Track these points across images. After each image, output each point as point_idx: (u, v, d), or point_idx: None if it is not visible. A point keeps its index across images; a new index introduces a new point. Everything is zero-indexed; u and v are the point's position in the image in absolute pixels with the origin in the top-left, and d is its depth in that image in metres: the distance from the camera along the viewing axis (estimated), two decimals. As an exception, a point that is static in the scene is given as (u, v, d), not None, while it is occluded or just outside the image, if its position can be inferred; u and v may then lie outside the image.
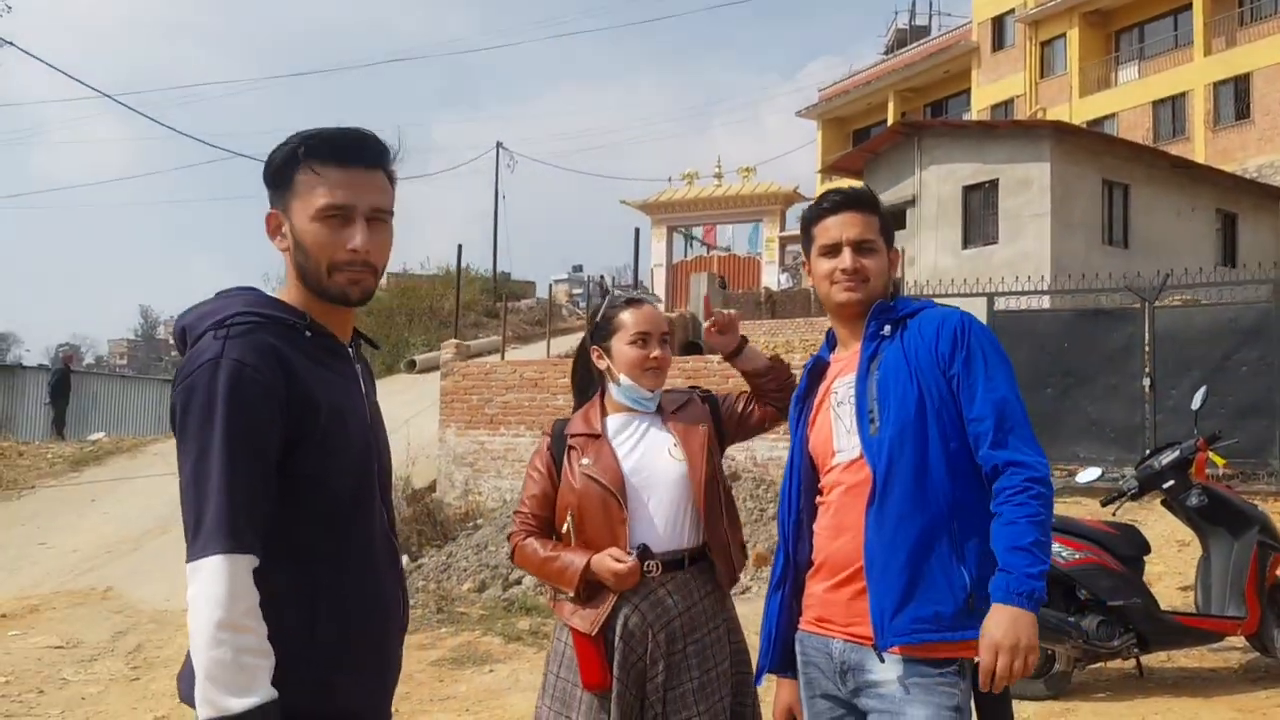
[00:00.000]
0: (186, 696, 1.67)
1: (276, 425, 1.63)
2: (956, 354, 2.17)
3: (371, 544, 1.81)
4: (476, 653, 6.97)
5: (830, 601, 2.24)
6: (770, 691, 2.52)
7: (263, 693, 1.53)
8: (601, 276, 47.57)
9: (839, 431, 2.26)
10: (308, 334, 1.74)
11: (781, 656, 2.38)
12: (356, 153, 1.77)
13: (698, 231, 37.15)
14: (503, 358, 15.29)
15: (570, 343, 22.09)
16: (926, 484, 2.12)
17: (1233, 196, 23.09)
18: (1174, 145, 26.32)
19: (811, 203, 2.46)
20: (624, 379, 2.72)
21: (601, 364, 2.78)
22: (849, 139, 39.24)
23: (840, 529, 2.20)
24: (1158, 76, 29.01)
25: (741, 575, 8.44)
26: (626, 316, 2.76)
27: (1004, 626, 1.99)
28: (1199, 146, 26.85)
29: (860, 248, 2.30)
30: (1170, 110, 28.53)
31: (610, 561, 2.53)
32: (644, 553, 2.57)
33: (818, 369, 2.42)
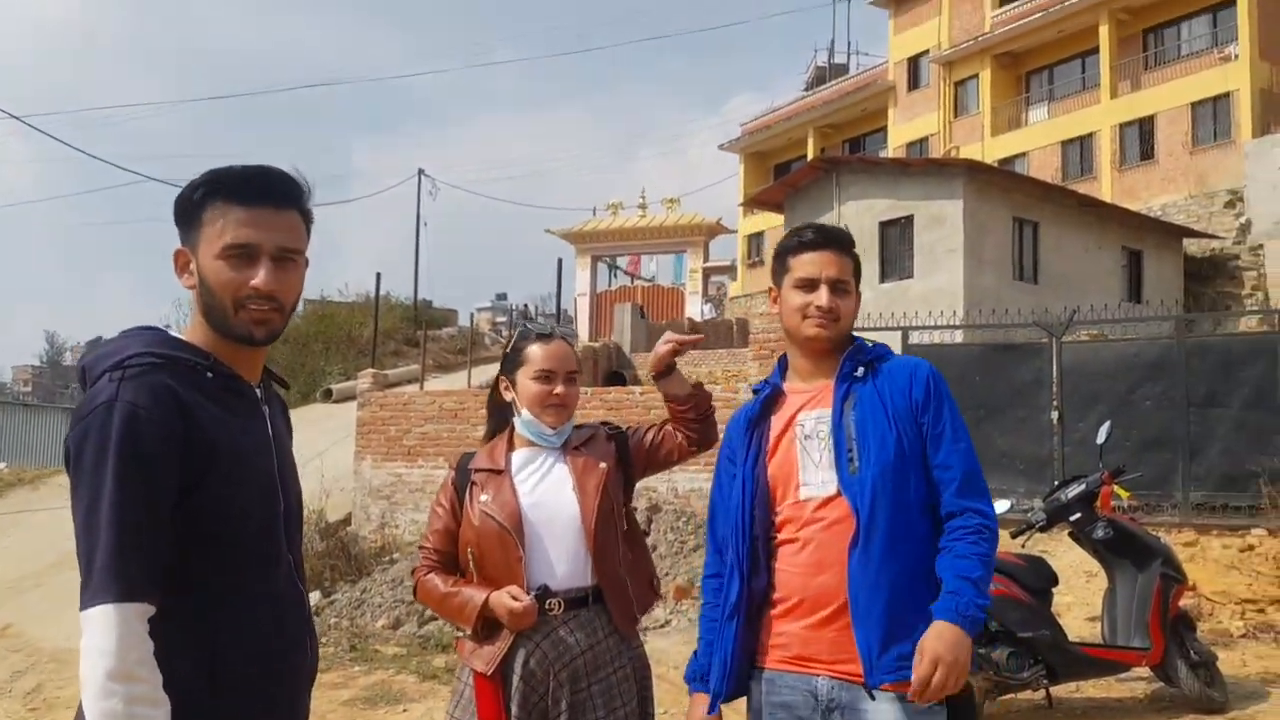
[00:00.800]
0: None
1: (172, 469, 1.60)
2: (929, 403, 2.29)
3: (275, 589, 1.77)
4: (390, 691, 6.82)
5: (813, 639, 2.25)
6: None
7: None
8: (525, 305, 47.47)
9: (806, 465, 2.30)
10: (209, 375, 1.70)
11: (736, 686, 2.36)
12: (264, 192, 1.74)
13: (622, 261, 37.27)
14: (421, 387, 15.10)
15: (491, 371, 21.92)
16: (907, 524, 2.22)
17: (1138, 234, 23.88)
18: (1082, 184, 27.17)
19: (790, 233, 2.49)
20: (525, 413, 2.70)
21: (508, 396, 2.77)
22: (770, 173, 39.79)
23: (821, 566, 2.23)
24: (1066, 117, 29.96)
25: (658, 609, 8.40)
26: (534, 351, 2.73)
27: (947, 642, 2.07)
28: (1106, 185, 27.74)
29: (836, 287, 2.37)
30: (1079, 150, 29.45)
31: (507, 600, 2.49)
32: (543, 593, 2.54)
33: (772, 396, 2.44)
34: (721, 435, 2.64)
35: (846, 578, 2.20)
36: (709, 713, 2.37)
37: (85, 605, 1.53)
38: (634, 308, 28.09)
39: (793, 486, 2.31)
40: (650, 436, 2.84)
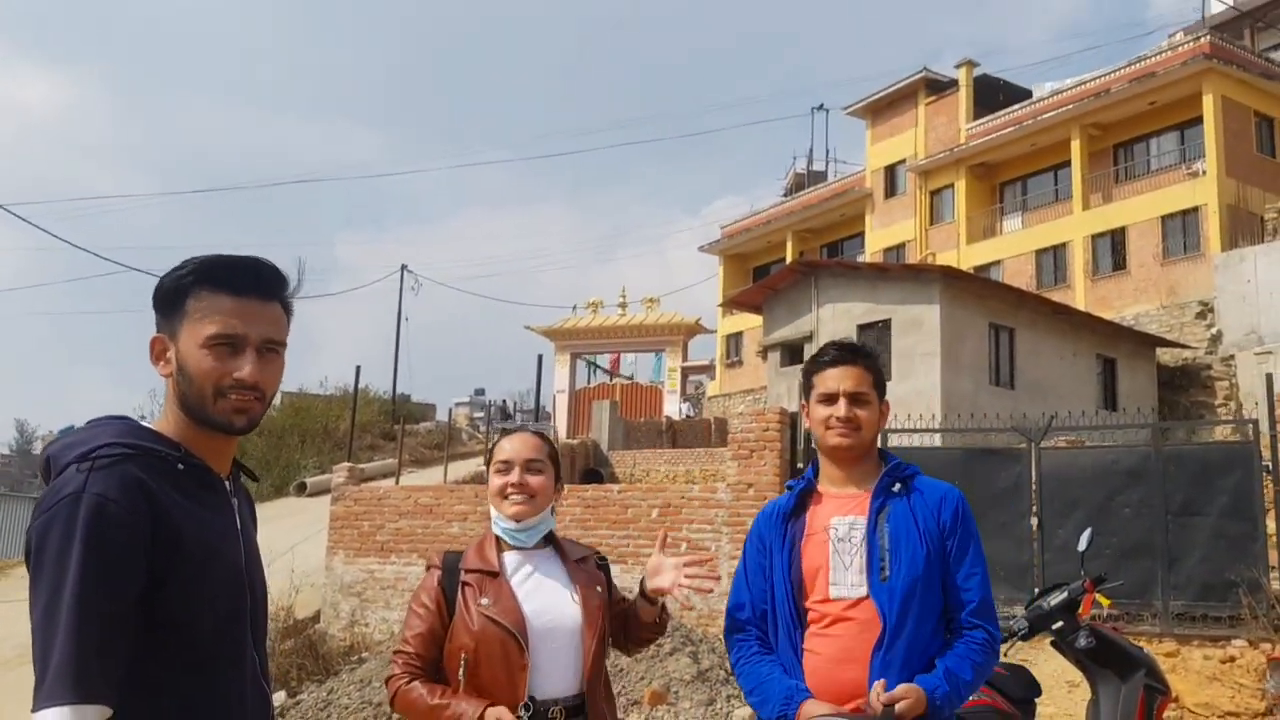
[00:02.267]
0: None
1: (138, 564, 1.55)
2: (956, 528, 2.53)
3: (239, 689, 1.71)
4: (354, 797, 6.58)
5: None
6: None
7: None
8: (503, 401, 47.43)
9: (837, 566, 2.50)
10: (180, 466, 1.67)
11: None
12: (251, 283, 1.74)
13: (603, 359, 37.44)
14: (398, 482, 14.96)
15: (469, 467, 21.77)
16: (926, 633, 2.45)
17: (1112, 342, 24.20)
18: (1056, 292, 27.61)
19: (815, 353, 2.73)
20: (493, 510, 2.65)
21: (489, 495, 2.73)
22: (750, 274, 40.29)
23: (846, 661, 2.42)
24: (1040, 227, 30.59)
25: (633, 715, 8.21)
26: (498, 447, 2.71)
27: (919, 695, 2.33)
28: (1080, 294, 28.20)
29: (855, 399, 2.58)
30: (1052, 259, 30.01)
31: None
32: (533, 710, 2.44)
33: (807, 491, 2.63)
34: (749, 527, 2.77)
35: (868, 674, 2.39)
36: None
37: (38, 706, 1.47)
38: (613, 405, 28.13)
39: (824, 585, 2.50)
40: (618, 608, 2.73)
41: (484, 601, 2.50)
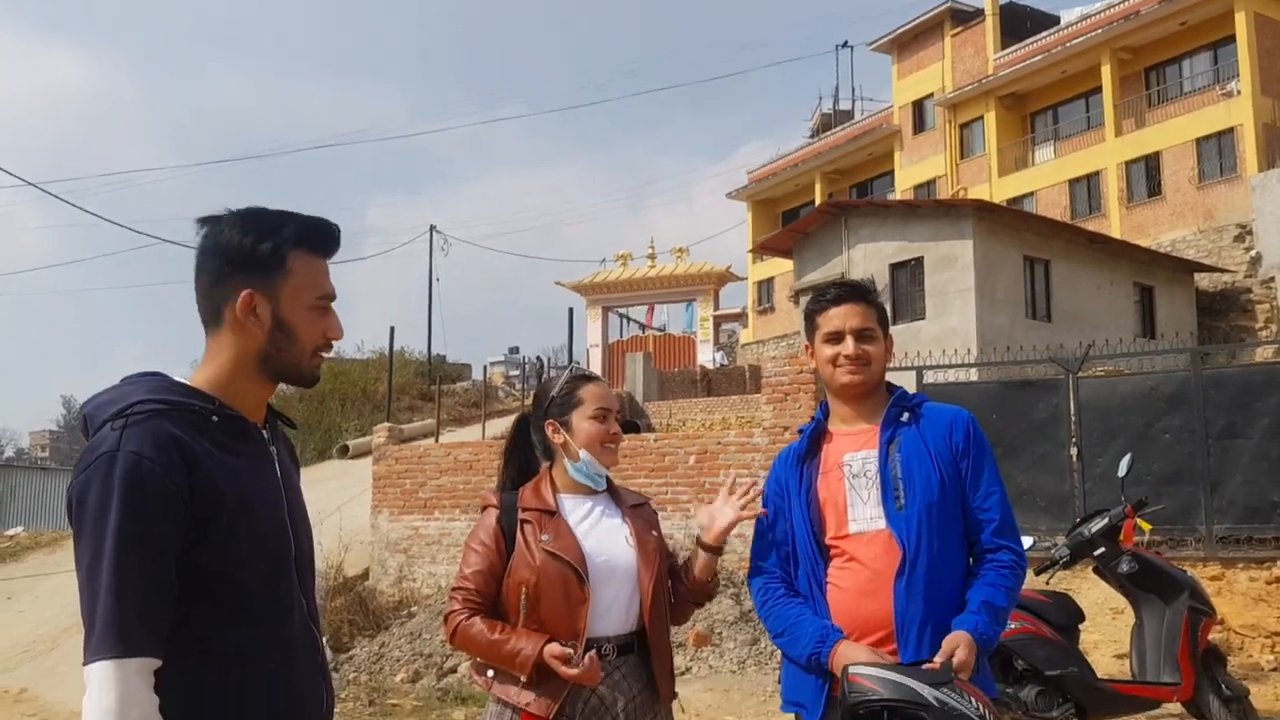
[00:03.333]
0: None
1: (177, 519, 1.57)
2: (969, 450, 2.52)
3: (287, 636, 1.74)
4: (410, 745, 6.75)
5: None
6: None
7: None
8: (538, 358, 47.56)
9: (854, 501, 2.51)
10: (214, 418, 1.68)
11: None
12: (336, 244, 1.83)
13: (633, 311, 37.42)
14: (437, 440, 15.12)
15: (506, 424, 21.93)
16: (946, 557, 2.45)
17: (1149, 270, 23.87)
18: (1091, 222, 27.22)
19: (814, 294, 2.73)
20: (584, 454, 2.62)
21: (558, 439, 2.66)
22: (778, 219, 39.99)
23: (868, 593, 2.43)
24: (1072, 156, 30.09)
25: (678, 657, 8.32)
26: (589, 391, 2.68)
27: (964, 644, 2.31)
28: (1115, 223, 27.78)
29: (861, 335, 2.58)
30: (1086, 188, 29.54)
31: (558, 661, 2.38)
32: (603, 651, 2.47)
33: (818, 433, 2.64)
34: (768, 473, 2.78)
35: (893, 604, 2.40)
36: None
37: (87, 660, 1.51)
38: (647, 356, 28.16)
39: (843, 521, 2.50)
40: (669, 563, 2.73)
41: (545, 538, 2.52)
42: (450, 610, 2.59)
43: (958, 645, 2.30)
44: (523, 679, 2.44)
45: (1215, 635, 7.57)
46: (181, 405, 1.65)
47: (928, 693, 2.18)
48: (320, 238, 1.79)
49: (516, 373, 57.17)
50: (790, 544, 2.57)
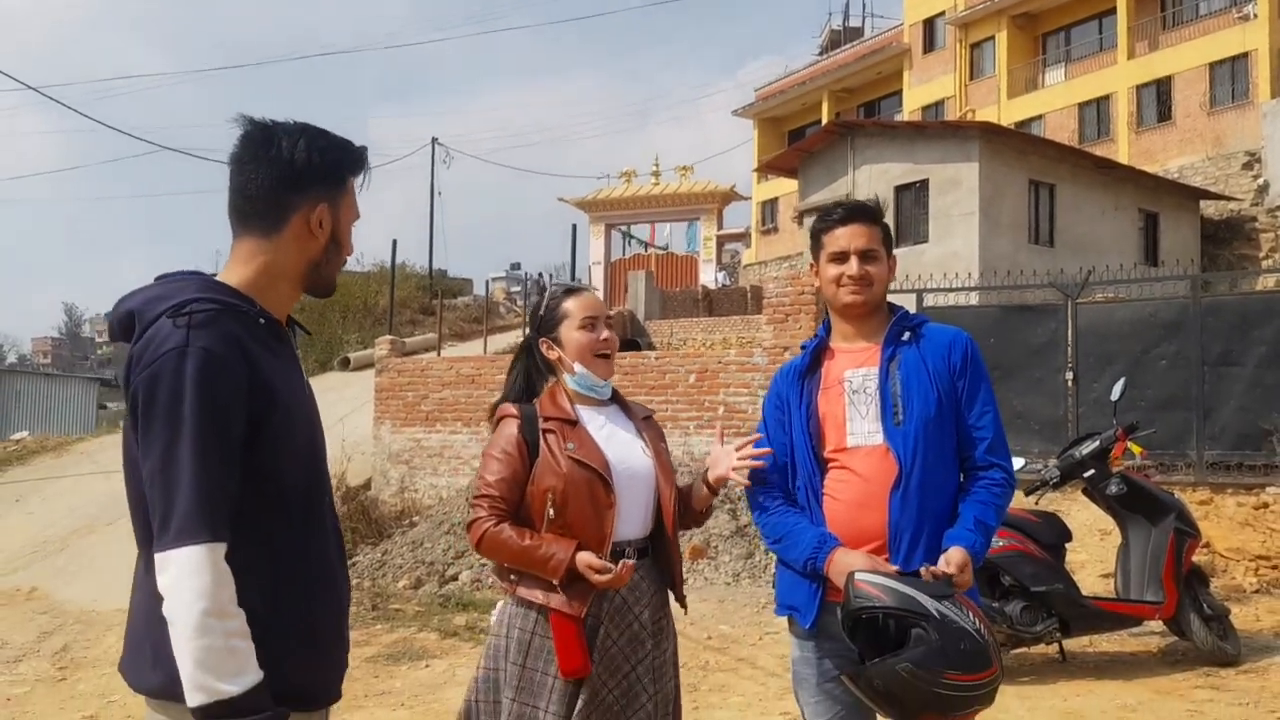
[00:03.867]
0: (146, 684, 1.69)
1: (241, 414, 1.65)
2: (966, 370, 2.57)
3: (324, 527, 1.85)
4: (412, 648, 6.95)
5: None
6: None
7: (254, 674, 1.58)
8: (540, 274, 47.46)
9: (853, 416, 2.57)
10: (261, 321, 1.76)
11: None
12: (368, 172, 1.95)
13: (636, 229, 37.24)
14: (439, 354, 15.20)
15: (508, 340, 22.01)
16: (940, 471, 2.52)
17: (1154, 196, 23.72)
18: (1099, 146, 26.96)
19: (820, 213, 2.75)
20: (578, 367, 2.70)
21: (552, 354, 2.74)
22: (785, 138, 39.57)
23: (865, 504, 2.50)
24: (1083, 79, 29.68)
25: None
26: (571, 304, 2.75)
27: (961, 563, 2.38)
28: (1123, 148, 27.53)
29: (865, 256, 2.62)
30: (1095, 112, 29.20)
31: (590, 569, 2.49)
32: (625, 555, 2.58)
33: (820, 349, 2.69)
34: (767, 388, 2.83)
35: (888, 515, 2.48)
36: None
37: (170, 546, 1.57)
38: (649, 275, 28.11)
39: (841, 435, 2.57)
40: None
41: (570, 446, 2.60)
42: (476, 518, 2.63)
43: (955, 562, 2.37)
44: (557, 581, 2.52)
45: (1200, 558, 7.74)
46: (233, 306, 1.72)
47: (930, 604, 2.26)
48: (365, 165, 1.90)
49: (518, 289, 57.11)
50: (789, 456, 2.63)
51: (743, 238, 40.48)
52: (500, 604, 2.72)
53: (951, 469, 2.56)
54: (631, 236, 37.30)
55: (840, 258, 2.63)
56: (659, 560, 2.70)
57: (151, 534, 1.62)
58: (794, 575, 2.58)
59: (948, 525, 2.49)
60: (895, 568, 2.43)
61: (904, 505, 2.47)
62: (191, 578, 1.56)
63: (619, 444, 2.67)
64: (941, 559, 2.39)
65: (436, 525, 9.94)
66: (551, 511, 2.57)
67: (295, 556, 1.76)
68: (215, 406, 1.62)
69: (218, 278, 1.82)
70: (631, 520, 2.62)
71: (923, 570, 2.38)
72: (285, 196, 1.79)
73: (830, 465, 2.58)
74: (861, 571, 2.36)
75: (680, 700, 2.76)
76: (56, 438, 18.99)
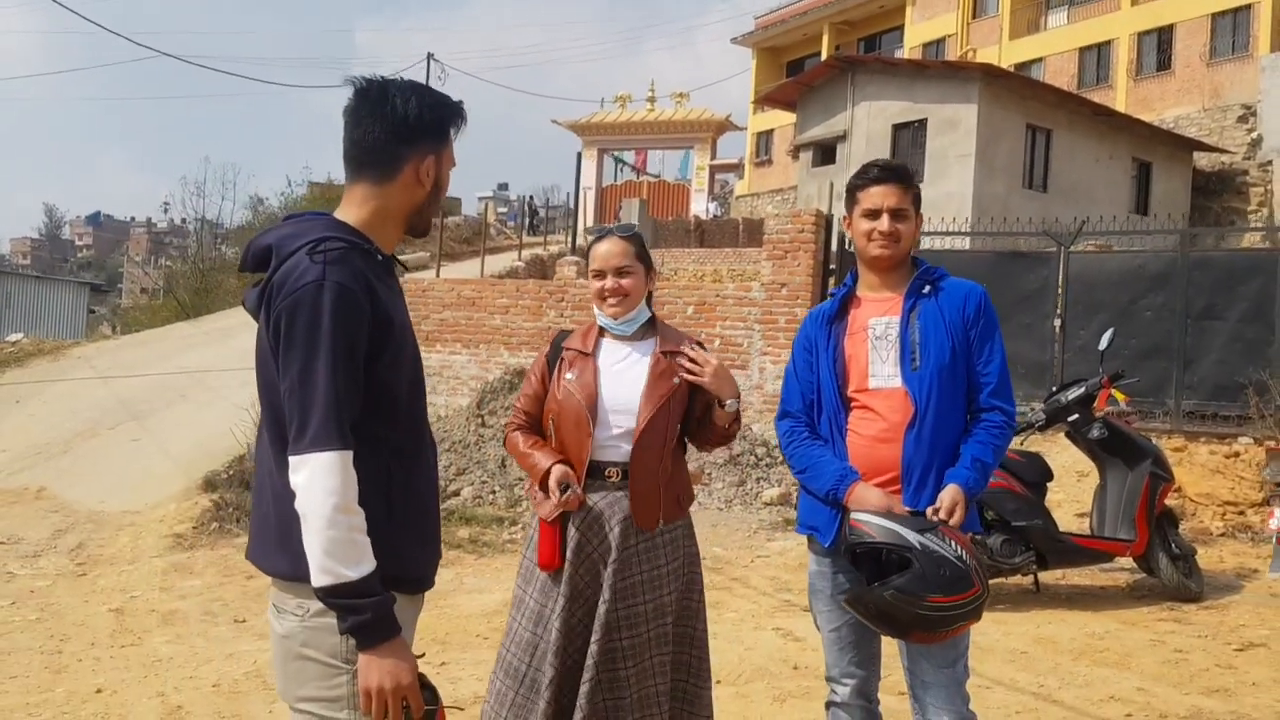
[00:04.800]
0: (275, 568, 1.94)
1: (364, 339, 1.89)
2: (979, 321, 2.83)
3: (426, 434, 2.11)
4: (419, 558, 7.26)
5: None
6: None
7: (370, 563, 1.83)
8: (530, 197, 47.31)
9: (875, 360, 2.82)
10: (379, 258, 2.00)
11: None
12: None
13: (629, 156, 37.14)
14: (438, 275, 15.37)
15: (503, 262, 22.13)
16: (952, 413, 2.78)
17: (1148, 146, 23.88)
18: (1097, 92, 27.01)
19: (859, 170, 2.97)
20: (595, 308, 3.04)
21: (590, 292, 3.10)
22: (783, 69, 39.31)
23: (884, 441, 2.77)
24: (1085, 23, 29.58)
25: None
26: (592, 252, 3.05)
27: (954, 497, 2.68)
28: (1121, 95, 27.57)
29: (896, 214, 2.85)
30: (1096, 57, 29.17)
31: (554, 483, 2.83)
32: (605, 474, 2.89)
33: (847, 297, 2.94)
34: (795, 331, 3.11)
35: (902, 451, 2.75)
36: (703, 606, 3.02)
37: (306, 450, 1.81)
38: (642, 204, 28.19)
39: (864, 376, 2.83)
40: (701, 399, 3.00)
41: (569, 376, 2.95)
42: (507, 422, 3.16)
43: (951, 499, 2.66)
44: (536, 485, 2.94)
45: (1172, 501, 8.12)
46: (357, 245, 1.96)
47: (913, 537, 2.58)
48: (465, 119, 2.11)
49: (505, 210, 56.84)
50: (815, 394, 2.90)
51: (736, 168, 40.42)
52: None
53: (961, 411, 2.81)
54: (624, 163, 37.23)
55: (873, 214, 2.85)
56: (638, 477, 2.89)
57: (284, 437, 1.87)
58: (816, 501, 2.86)
59: (955, 462, 2.75)
60: (904, 504, 2.71)
61: (917, 443, 2.73)
62: (324, 478, 1.80)
63: (620, 379, 2.94)
64: (937, 500, 2.67)
65: (438, 443, 10.23)
66: (552, 429, 2.97)
67: (405, 459, 2.01)
68: (346, 333, 1.85)
69: (336, 215, 2.04)
70: (615, 447, 2.90)
71: (929, 511, 2.66)
72: (398, 149, 2.01)
73: (853, 404, 2.84)
74: (858, 512, 2.67)
75: (700, 612, 3.00)
76: (52, 342, 19.11)
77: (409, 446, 2.03)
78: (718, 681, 4.77)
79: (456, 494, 8.98)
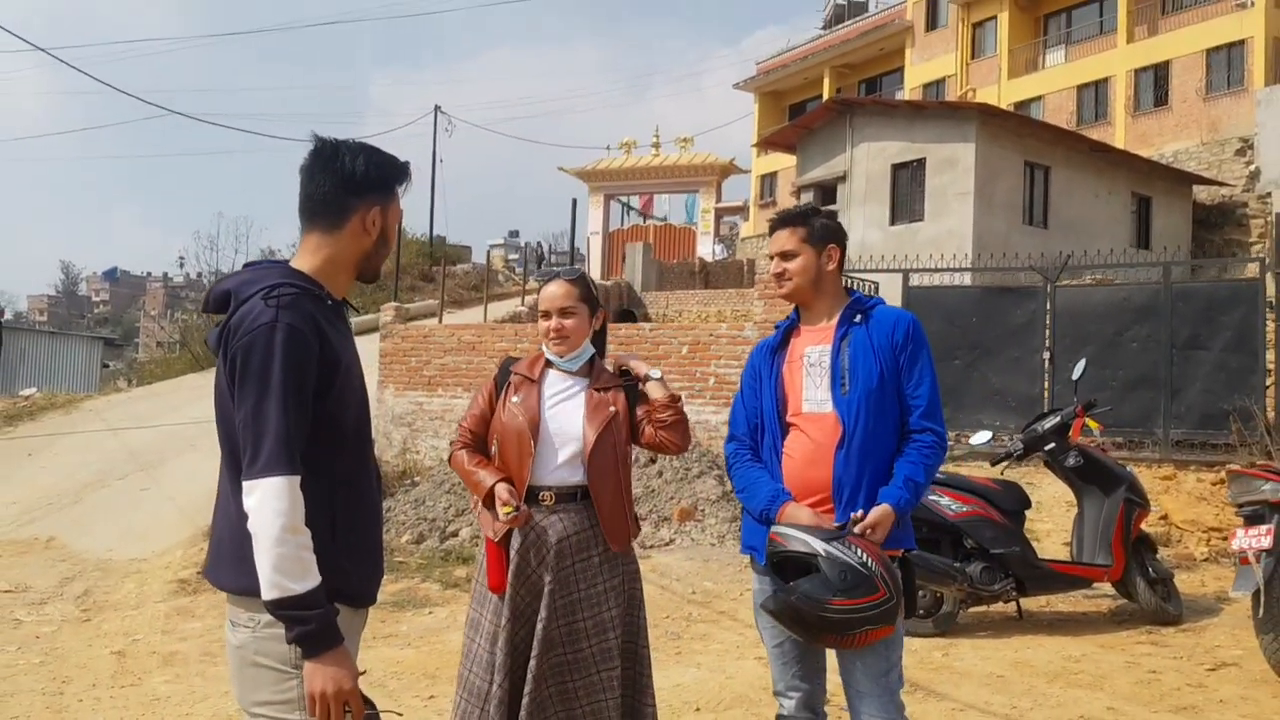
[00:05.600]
0: (229, 584, 2.12)
1: (312, 376, 2.08)
2: (907, 346, 2.97)
3: (369, 466, 2.29)
4: (416, 597, 7.42)
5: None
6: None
7: (315, 578, 2.01)
8: (539, 244, 47.84)
9: (809, 386, 3.00)
10: (329, 302, 2.20)
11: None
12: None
13: (635, 200, 37.52)
14: (440, 321, 15.61)
15: (507, 308, 22.39)
16: (880, 436, 2.92)
17: (1147, 181, 24.08)
18: (1096, 129, 27.28)
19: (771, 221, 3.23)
20: (542, 344, 3.28)
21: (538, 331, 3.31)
22: (785, 112, 39.79)
23: (814, 461, 2.93)
24: (1083, 61, 29.95)
25: (663, 530, 8.90)
26: (541, 295, 3.29)
27: (879, 516, 2.83)
28: (1119, 131, 27.84)
29: (785, 256, 3.08)
30: (1094, 94, 29.50)
31: (499, 501, 3.02)
32: (539, 498, 3.10)
33: (790, 329, 3.14)
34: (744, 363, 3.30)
35: (832, 471, 2.90)
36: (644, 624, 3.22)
37: (256, 475, 2.00)
38: (646, 247, 28.47)
39: (799, 402, 3.01)
40: (639, 413, 3.25)
41: (515, 399, 3.18)
42: (453, 441, 3.34)
43: (879, 519, 2.82)
44: (480, 503, 3.14)
45: (1158, 528, 8.23)
46: (308, 290, 2.16)
47: (820, 546, 2.75)
48: (409, 177, 2.33)
49: (515, 256, 57.43)
50: (759, 419, 3.09)
51: (741, 210, 40.79)
52: None
53: (891, 432, 2.96)
54: (630, 207, 37.59)
55: (771, 259, 3.12)
56: (589, 504, 3.12)
57: (239, 465, 2.05)
58: (754, 521, 3.03)
59: (881, 482, 2.91)
60: (830, 518, 2.87)
61: (846, 463, 2.89)
62: (274, 501, 1.99)
63: (561, 408, 3.18)
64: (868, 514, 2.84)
65: (437, 485, 10.40)
66: (495, 449, 3.20)
67: (350, 486, 2.19)
68: (296, 370, 2.05)
69: (291, 264, 2.24)
70: (555, 471, 3.11)
71: (853, 517, 2.83)
72: (346, 200, 2.22)
73: (790, 428, 3.02)
74: (777, 525, 2.86)
75: (642, 629, 3.20)
76: (64, 395, 19.42)
77: (353, 474, 2.21)
78: (697, 709, 4.92)
79: (455, 534, 9.12)
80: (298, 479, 2.02)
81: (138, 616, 7.43)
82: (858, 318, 3.03)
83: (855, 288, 3.46)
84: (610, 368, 3.32)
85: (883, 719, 2.87)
